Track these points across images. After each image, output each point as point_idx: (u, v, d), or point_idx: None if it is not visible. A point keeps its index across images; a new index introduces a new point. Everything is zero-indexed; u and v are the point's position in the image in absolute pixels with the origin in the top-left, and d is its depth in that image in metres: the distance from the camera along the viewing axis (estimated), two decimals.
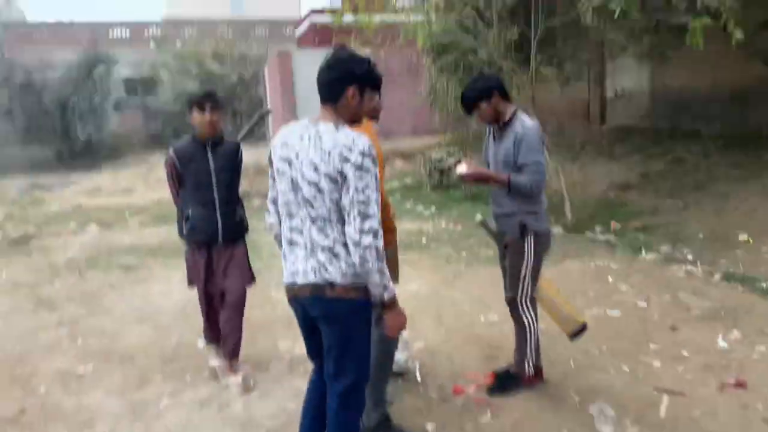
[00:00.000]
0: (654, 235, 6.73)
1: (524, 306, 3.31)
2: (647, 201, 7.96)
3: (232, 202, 3.81)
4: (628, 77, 10.45)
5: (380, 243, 2.10)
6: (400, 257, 3.14)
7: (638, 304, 4.73)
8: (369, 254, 2.08)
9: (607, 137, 10.69)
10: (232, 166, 3.79)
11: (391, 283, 2.19)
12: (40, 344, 4.53)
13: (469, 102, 3.27)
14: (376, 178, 2.10)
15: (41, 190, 15.81)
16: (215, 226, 3.71)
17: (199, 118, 3.61)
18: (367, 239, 2.08)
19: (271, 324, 4.70)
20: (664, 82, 10.02)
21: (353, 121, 2.30)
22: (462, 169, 3.18)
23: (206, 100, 3.60)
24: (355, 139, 2.11)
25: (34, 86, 19.83)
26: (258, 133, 22.17)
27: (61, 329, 4.83)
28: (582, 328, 3.45)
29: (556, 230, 7.09)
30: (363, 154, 2.08)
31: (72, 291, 5.94)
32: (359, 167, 2.08)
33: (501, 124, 3.27)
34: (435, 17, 7.00)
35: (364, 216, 2.08)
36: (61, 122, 20.15)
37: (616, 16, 5.48)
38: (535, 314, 3.35)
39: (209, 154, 3.68)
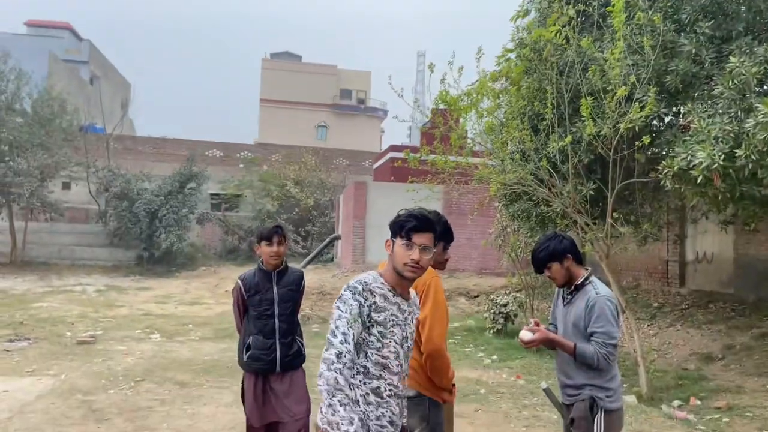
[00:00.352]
0: (739, 417, 6.06)
1: None
2: (731, 378, 7.30)
3: (292, 332, 3.88)
4: (711, 241, 10.09)
5: (331, 374, 2.09)
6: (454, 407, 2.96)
7: None
8: (321, 381, 2.12)
9: (686, 301, 10.13)
10: (295, 295, 3.92)
11: (350, 424, 2.06)
12: None
13: (542, 262, 3.19)
14: (345, 311, 2.18)
15: (117, 292, 16.51)
16: (274, 356, 3.78)
17: (267, 250, 3.80)
18: (322, 367, 2.15)
19: None
20: (749, 250, 9.59)
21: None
22: (526, 338, 3.04)
23: (274, 233, 3.81)
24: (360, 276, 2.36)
25: (130, 194, 21.47)
26: (326, 256, 22.71)
27: None
28: None
29: (629, 399, 6.54)
30: (346, 287, 2.27)
31: (123, 403, 5.92)
32: (338, 297, 2.26)
33: (572, 287, 3.15)
34: (510, 165, 7.15)
35: (328, 344, 2.19)
36: (148, 229, 21.47)
37: (698, 182, 5.40)
38: None
39: (274, 285, 3.84)
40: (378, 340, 2.19)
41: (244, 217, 26.02)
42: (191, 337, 9.93)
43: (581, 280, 3.12)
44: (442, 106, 8.08)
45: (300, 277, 3.99)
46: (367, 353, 2.19)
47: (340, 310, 2.20)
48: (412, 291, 2.45)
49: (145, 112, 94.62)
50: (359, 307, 2.17)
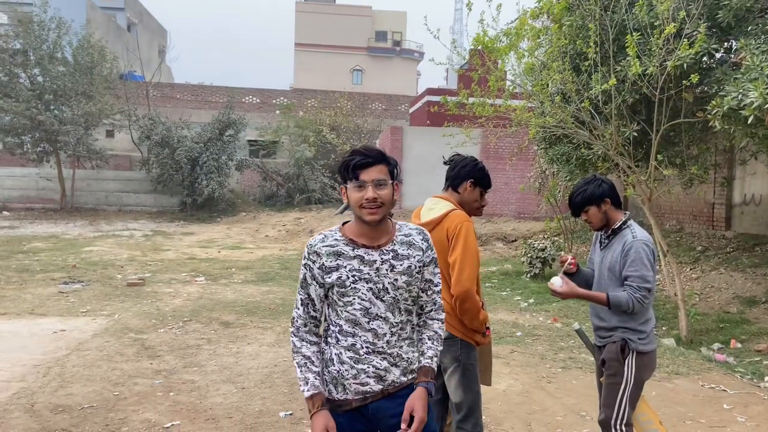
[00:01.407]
0: None
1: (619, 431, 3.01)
2: None
3: None
4: (759, 183, 9.72)
5: (293, 337, 2.13)
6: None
7: None
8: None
9: (731, 244, 9.89)
10: None
11: (305, 384, 2.06)
12: (135, 391, 4.74)
13: (579, 205, 3.15)
14: (300, 276, 2.18)
15: (162, 237, 17.08)
16: None
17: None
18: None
19: None
20: None
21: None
22: (556, 284, 3.01)
23: None
24: None
25: (171, 141, 21.87)
26: None
27: (156, 379, 5.04)
28: None
29: (668, 342, 6.53)
30: None
31: (173, 341, 6.23)
32: None
33: (609, 231, 3.11)
34: (550, 108, 6.96)
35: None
36: (190, 176, 21.94)
37: (748, 122, 5.17)
38: None
39: None
40: (339, 299, 2.08)
41: (281, 163, 26.26)
42: (234, 280, 10.27)
43: (619, 224, 3.08)
44: (479, 48, 7.86)
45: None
46: (337, 311, 2.11)
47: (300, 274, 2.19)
48: (406, 232, 2.17)
49: (182, 59, 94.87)
50: (308, 272, 2.10)
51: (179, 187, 22.57)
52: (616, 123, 6.56)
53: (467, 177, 3.04)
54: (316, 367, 2.09)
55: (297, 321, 2.13)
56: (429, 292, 2.20)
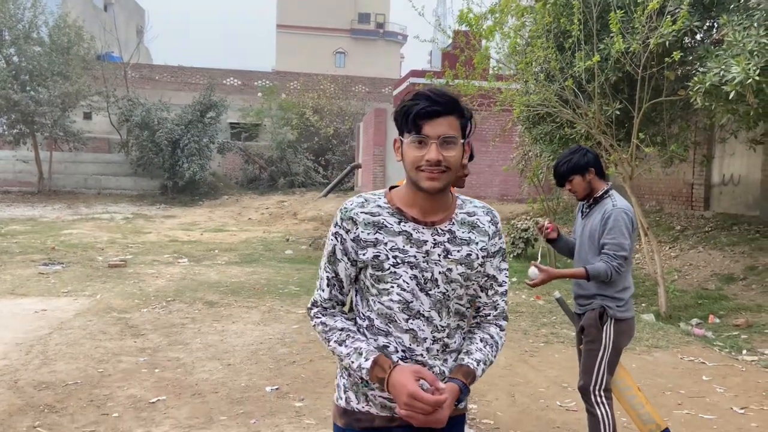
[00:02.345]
0: (758, 335, 6.15)
1: (597, 397, 3.08)
2: (752, 297, 7.34)
3: None
4: (738, 163, 9.87)
5: (314, 325, 1.68)
6: None
7: (735, 410, 4.28)
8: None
9: (710, 224, 10.06)
10: None
11: (358, 355, 1.58)
12: (120, 368, 4.72)
13: (563, 175, 3.18)
14: (325, 248, 1.70)
15: (143, 220, 16.90)
16: None
17: None
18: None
19: None
20: None
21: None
22: (532, 275, 3.07)
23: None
24: None
25: (151, 123, 21.55)
26: (346, 185, 22.81)
27: (141, 357, 5.01)
28: None
29: (648, 317, 6.65)
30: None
31: (156, 320, 6.20)
32: None
33: (591, 201, 3.16)
34: (534, 87, 6.98)
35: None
36: (170, 159, 21.67)
37: (729, 97, 5.23)
38: (610, 407, 3.09)
39: None
40: (373, 285, 1.60)
41: (264, 146, 26.05)
42: (218, 261, 10.21)
43: (600, 194, 3.13)
44: (464, 27, 7.83)
45: None
46: (369, 301, 1.63)
47: (325, 246, 1.69)
48: (470, 209, 1.68)
49: (160, 40, 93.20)
50: (338, 244, 1.62)
51: (160, 170, 22.29)
52: (599, 101, 6.61)
53: None
54: (360, 335, 1.63)
55: (320, 304, 1.67)
56: (490, 292, 1.70)
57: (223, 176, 25.42)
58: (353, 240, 1.60)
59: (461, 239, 1.62)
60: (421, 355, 1.60)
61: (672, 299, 7.16)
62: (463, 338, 1.70)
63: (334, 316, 1.67)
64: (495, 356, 1.70)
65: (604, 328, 3.05)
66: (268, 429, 3.72)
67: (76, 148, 22.86)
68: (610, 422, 3.07)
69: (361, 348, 1.58)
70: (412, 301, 1.59)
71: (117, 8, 34.09)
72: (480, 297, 1.70)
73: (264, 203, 20.48)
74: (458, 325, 1.67)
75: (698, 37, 6.84)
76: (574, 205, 12.33)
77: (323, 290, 1.67)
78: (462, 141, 1.58)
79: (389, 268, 1.58)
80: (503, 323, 1.74)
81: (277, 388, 4.39)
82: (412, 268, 1.58)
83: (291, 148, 24.59)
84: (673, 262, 9.09)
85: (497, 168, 16.55)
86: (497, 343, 1.71)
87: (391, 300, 1.60)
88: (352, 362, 1.58)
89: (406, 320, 1.60)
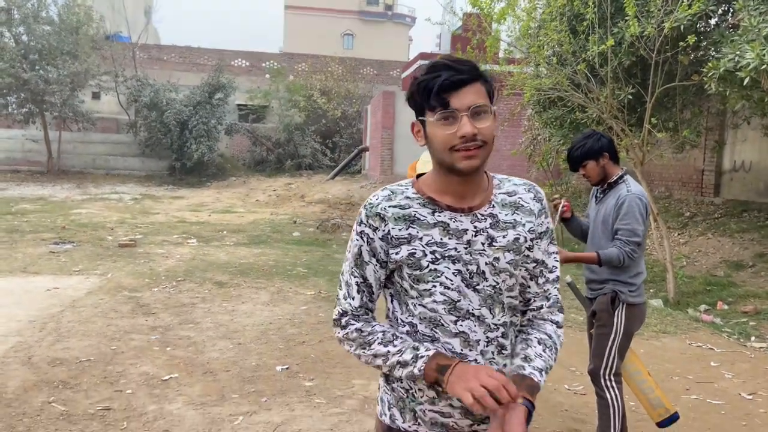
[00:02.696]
0: (766, 321, 6.15)
1: (607, 381, 3.10)
2: (761, 284, 7.32)
3: None
4: (750, 149, 9.79)
5: (343, 335, 1.48)
6: None
7: (743, 395, 4.30)
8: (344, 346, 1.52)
9: (720, 210, 10.01)
10: None
11: (412, 351, 1.39)
12: (132, 346, 4.78)
13: (577, 159, 3.17)
14: (348, 251, 1.50)
15: (152, 200, 16.98)
16: None
17: None
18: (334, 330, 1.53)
19: (349, 359, 4.69)
20: None
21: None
22: None
23: None
24: None
25: (159, 104, 21.53)
26: (353, 168, 22.79)
27: (152, 335, 5.07)
28: (673, 418, 3.16)
29: (656, 303, 6.66)
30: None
31: (167, 299, 6.26)
32: None
33: (605, 186, 3.15)
34: (546, 71, 6.93)
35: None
36: (179, 140, 21.69)
37: (744, 83, 5.18)
38: (620, 392, 3.11)
39: None
40: (412, 287, 1.41)
41: (271, 128, 25.99)
42: (226, 242, 10.27)
43: (615, 179, 3.12)
44: (475, 10, 7.76)
45: None
46: (408, 305, 1.44)
47: (348, 248, 1.50)
48: (509, 189, 1.47)
49: (168, 21, 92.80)
50: (365, 245, 1.43)
51: (168, 151, 22.32)
52: (612, 86, 6.56)
53: None
54: (405, 336, 1.44)
55: (350, 312, 1.47)
56: (540, 280, 1.48)
57: (231, 158, 25.43)
58: (382, 238, 1.41)
59: (505, 222, 1.41)
60: (475, 360, 1.40)
61: (680, 285, 7.16)
62: (516, 337, 1.48)
63: (370, 321, 1.48)
64: (555, 360, 1.47)
65: (616, 312, 3.06)
66: (279, 407, 3.78)
67: (84, 128, 22.91)
68: (620, 406, 3.09)
69: (415, 344, 1.40)
70: (459, 300, 1.39)
71: None
72: (529, 287, 1.48)
73: (271, 185, 20.51)
74: (512, 321, 1.46)
75: (713, 21, 6.75)
76: (582, 191, 12.28)
77: (353, 298, 1.47)
78: (494, 108, 1.38)
79: (428, 266, 1.38)
80: (559, 317, 1.51)
81: (287, 368, 4.44)
82: (454, 263, 1.38)
83: (298, 130, 24.54)
84: (682, 248, 9.07)
85: (505, 152, 16.48)
86: (555, 344, 1.48)
87: (435, 301, 1.40)
88: (404, 357, 1.38)
89: (455, 322, 1.40)
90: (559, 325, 1.50)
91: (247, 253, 9.21)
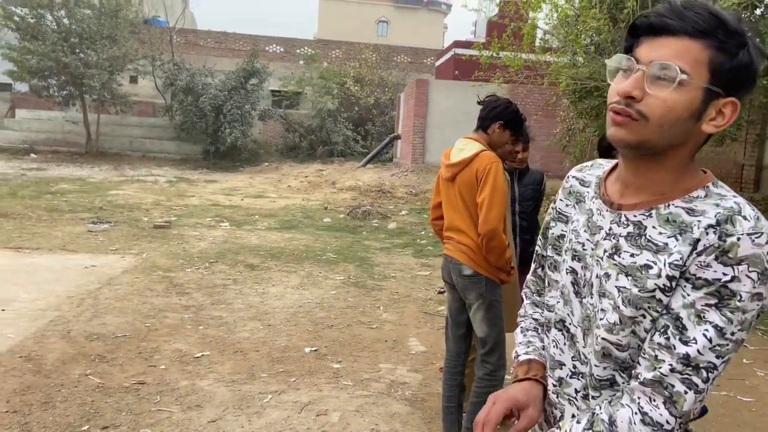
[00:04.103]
0: None
1: None
2: None
3: (532, 230, 3.80)
4: None
5: (526, 299, 1.44)
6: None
7: None
8: None
9: (759, 206, 9.73)
10: (536, 194, 3.83)
11: (525, 346, 1.33)
12: (166, 323, 4.91)
13: (610, 149, 3.13)
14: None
15: (186, 183, 17.28)
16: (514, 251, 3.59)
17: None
18: None
19: (376, 344, 4.73)
20: None
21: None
22: None
23: (520, 140, 3.60)
24: None
25: (195, 89, 21.83)
26: (385, 156, 22.79)
27: (186, 314, 5.20)
28: (702, 412, 3.11)
29: None
30: None
31: (200, 280, 6.39)
32: None
33: None
34: (583, 60, 6.81)
35: None
36: (213, 124, 21.99)
37: None
38: None
39: (515, 182, 3.75)
40: (550, 271, 1.27)
41: (304, 114, 26.13)
42: (258, 226, 10.41)
43: None
44: None
45: (541, 178, 3.88)
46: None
47: None
48: (698, 207, 1.02)
49: (204, 5, 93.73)
50: (552, 210, 1.29)
51: (202, 135, 22.64)
52: None
53: (497, 118, 3.03)
54: (534, 332, 1.33)
55: (528, 284, 1.39)
56: (659, 339, 0.99)
57: (264, 143, 25.68)
58: (554, 209, 1.27)
59: (650, 242, 1.03)
60: (553, 387, 1.18)
61: None
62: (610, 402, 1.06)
63: (535, 304, 1.37)
64: None
65: None
66: (307, 388, 3.84)
67: (122, 110, 23.38)
68: None
69: (533, 342, 1.29)
70: (559, 302, 1.19)
71: None
72: (644, 348, 1.02)
73: (303, 171, 20.66)
74: (612, 376, 1.08)
75: (759, 12, 6.53)
76: None
77: (532, 266, 1.37)
78: (704, 86, 0.97)
79: (560, 253, 1.21)
80: (657, 412, 0.98)
81: (315, 350, 4.51)
82: (573, 258, 1.15)
83: (331, 117, 24.62)
84: None
85: (539, 143, 16.27)
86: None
87: (551, 297, 1.24)
88: (517, 350, 1.31)
89: (562, 333, 1.18)
90: (645, 421, 0.98)
91: (278, 237, 9.33)
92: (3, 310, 5.06)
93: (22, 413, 3.33)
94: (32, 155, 21.43)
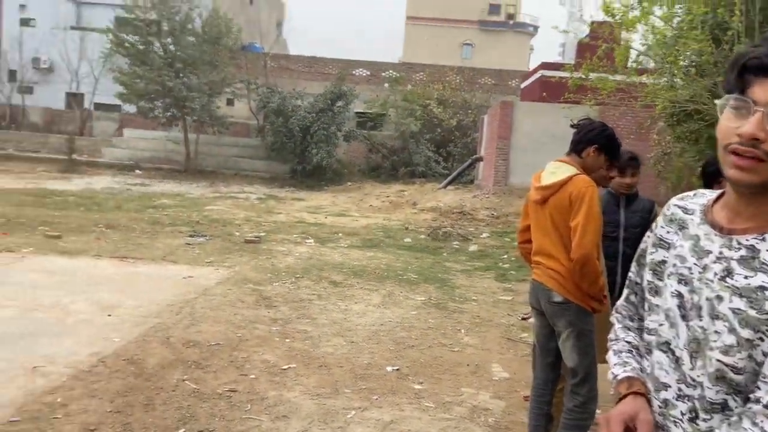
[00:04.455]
0: None
1: None
2: None
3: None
4: None
5: (616, 323, 1.46)
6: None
7: None
8: None
9: None
10: (644, 222, 3.70)
11: (622, 366, 1.30)
12: (256, 335, 5.11)
13: (714, 175, 3.00)
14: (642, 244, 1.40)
15: (275, 201, 17.97)
16: (614, 278, 3.63)
17: (618, 181, 3.62)
18: None
19: (458, 367, 4.71)
20: None
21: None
22: None
23: (628, 166, 3.64)
24: None
25: (286, 111, 22.79)
26: (466, 177, 22.70)
27: (273, 326, 5.40)
28: None
29: None
30: None
31: (287, 294, 6.62)
32: None
33: None
34: (682, 82, 6.53)
35: None
36: (301, 144, 22.83)
37: None
38: None
39: (621, 209, 3.74)
40: (649, 295, 1.27)
41: (387, 136, 26.57)
42: (341, 244, 10.64)
43: None
44: (606, 18, 7.50)
45: (651, 206, 3.80)
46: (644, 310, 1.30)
47: None
48: None
49: (295, 33, 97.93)
50: (650, 236, 1.32)
51: (291, 155, 23.54)
52: None
53: (592, 142, 2.97)
54: (642, 358, 1.30)
55: (619, 310, 1.40)
56: None
57: (348, 163, 26.30)
58: (655, 236, 1.29)
59: (765, 263, 1.05)
60: (659, 408, 1.17)
61: None
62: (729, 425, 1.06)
63: (627, 328, 1.37)
64: None
65: None
66: (389, 406, 3.88)
67: (219, 131, 24.76)
68: None
69: (629, 363, 1.28)
70: (662, 325, 1.20)
71: (261, 2, 36.26)
72: (763, 376, 1.02)
73: (384, 191, 20.95)
74: (725, 400, 1.07)
75: None
76: None
77: (624, 293, 1.39)
78: None
79: (663, 278, 1.22)
80: None
81: (397, 369, 4.54)
82: (679, 282, 1.17)
83: (413, 138, 24.88)
84: None
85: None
86: None
87: (652, 322, 1.23)
88: (612, 371, 1.30)
89: (666, 362, 1.18)
90: None
91: (360, 255, 9.49)
92: (109, 315, 5.46)
93: (124, 413, 3.57)
94: (137, 171, 23.05)
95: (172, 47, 22.78)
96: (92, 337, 4.82)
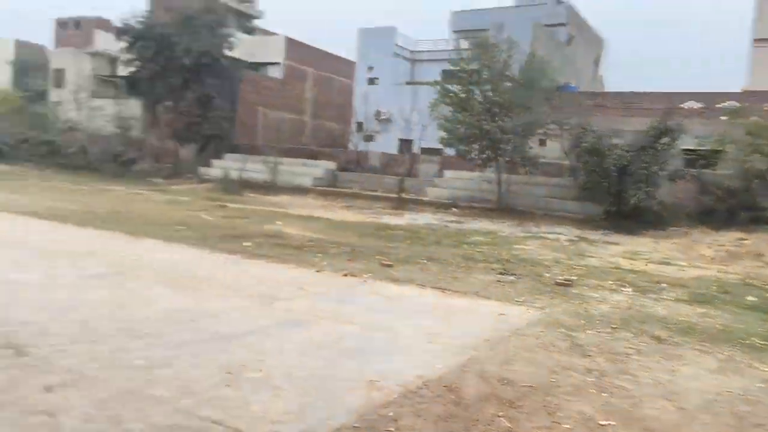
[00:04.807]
0: None
1: None
2: None
3: None
4: None
5: None
6: None
7: None
8: None
9: None
10: None
11: None
12: (569, 383, 4.93)
13: None
14: None
15: (586, 243, 17.32)
16: None
17: None
18: None
19: None
20: None
21: None
22: None
23: None
24: None
25: (601, 150, 21.88)
26: None
27: (588, 377, 5.13)
28: None
29: None
30: None
31: (602, 344, 6.24)
32: None
33: None
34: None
35: None
36: (617, 185, 21.57)
37: None
38: None
39: None
40: None
41: (723, 175, 23.23)
42: (664, 296, 9.61)
43: None
44: None
45: None
46: None
47: None
48: None
49: (615, 67, 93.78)
50: None
51: (605, 195, 22.38)
52: None
53: None
54: None
55: None
56: None
57: (671, 206, 23.79)
58: None
59: None
60: None
61: None
62: None
63: None
64: None
65: None
66: None
67: (530, 171, 25.11)
68: None
69: None
70: None
71: (578, 40, 35.98)
72: None
73: (718, 239, 18.28)
74: None
75: None
76: None
77: None
78: None
79: None
80: None
81: None
82: None
83: (759, 178, 21.21)
84: None
85: None
86: None
87: None
88: None
89: None
90: None
91: (689, 311, 8.41)
92: (430, 342, 5.92)
93: None
94: (454, 209, 24.83)
95: (490, 93, 24.12)
96: (417, 360, 5.29)
